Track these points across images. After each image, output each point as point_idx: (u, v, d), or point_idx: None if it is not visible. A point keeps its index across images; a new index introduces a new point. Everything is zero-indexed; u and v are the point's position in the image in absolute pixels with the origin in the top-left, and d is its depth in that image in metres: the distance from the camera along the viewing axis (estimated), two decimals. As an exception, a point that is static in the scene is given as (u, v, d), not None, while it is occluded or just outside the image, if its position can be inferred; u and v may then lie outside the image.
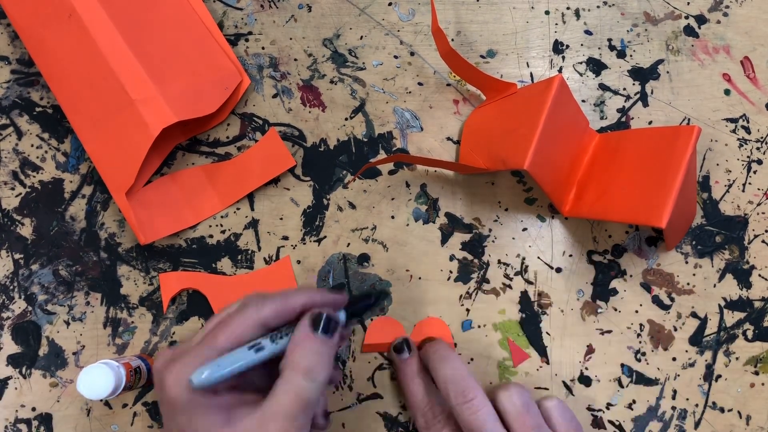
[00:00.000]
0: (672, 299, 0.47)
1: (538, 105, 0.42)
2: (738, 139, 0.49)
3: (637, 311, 0.47)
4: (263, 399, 0.34)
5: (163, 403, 0.34)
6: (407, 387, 0.44)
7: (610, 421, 0.47)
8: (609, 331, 0.47)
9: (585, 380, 0.47)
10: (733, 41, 0.50)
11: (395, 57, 0.49)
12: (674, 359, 0.47)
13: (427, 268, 0.47)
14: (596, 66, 0.50)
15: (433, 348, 0.43)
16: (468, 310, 0.47)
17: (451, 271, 0.47)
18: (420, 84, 0.49)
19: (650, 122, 0.49)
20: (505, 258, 0.48)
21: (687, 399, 0.47)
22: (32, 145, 0.48)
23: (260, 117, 0.48)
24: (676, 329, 0.47)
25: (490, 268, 0.48)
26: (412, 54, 0.49)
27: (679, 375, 0.47)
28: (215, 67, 0.47)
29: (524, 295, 0.47)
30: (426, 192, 0.48)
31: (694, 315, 0.47)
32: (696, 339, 0.47)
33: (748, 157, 0.49)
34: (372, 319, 0.46)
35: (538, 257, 0.48)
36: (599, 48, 0.50)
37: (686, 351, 0.47)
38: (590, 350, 0.47)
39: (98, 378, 0.39)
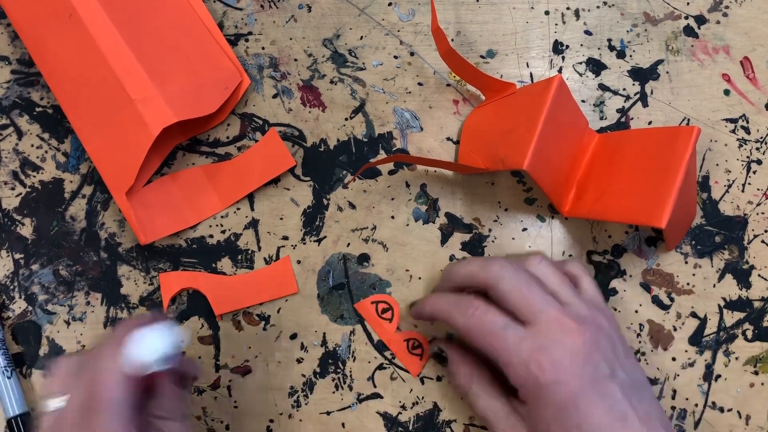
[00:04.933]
0: (672, 299, 0.47)
1: (537, 105, 0.42)
2: (737, 140, 0.49)
3: (636, 311, 0.47)
4: None
5: None
6: (476, 409, 0.40)
7: (610, 421, 0.47)
8: (609, 331, 0.47)
9: (585, 380, 0.47)
10: (732, 41, 0.50)
11: (395, 57, 0.49)
12: (674, 359, 0.47)
13: (427, 268, 0.47)
14: (596, 66, 0.50)
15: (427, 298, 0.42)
16: (468, 310, 0.47)
17: (450, 271, 0.48)
18: (420, 84, 0.49)
19: (650, 122, 0.49)
20: (505, 258, 0.48)
21: (687, 399, 0.47)
22: (32, 145, 0.48)
23: (260, 117, 0.48)
24: (675, 329, 0.47)
25: (489, 268, 0.48)
26: (412, 54, 0.49)
27: (678, 375, 0.47)
28: (215, 67, 0.47)
29: (524, 295, 0.47)
30: (426, 192, 0.48)
31: (693, 315, 0.47)
32: (696, 339, 0.47)
33: (747, 157, 0.49)
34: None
35: (538, 257, 0.48)
36: (599, 48, 0.50)
37: (686, 351, 0.47)
38: (590, 350, 0.47)
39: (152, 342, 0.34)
